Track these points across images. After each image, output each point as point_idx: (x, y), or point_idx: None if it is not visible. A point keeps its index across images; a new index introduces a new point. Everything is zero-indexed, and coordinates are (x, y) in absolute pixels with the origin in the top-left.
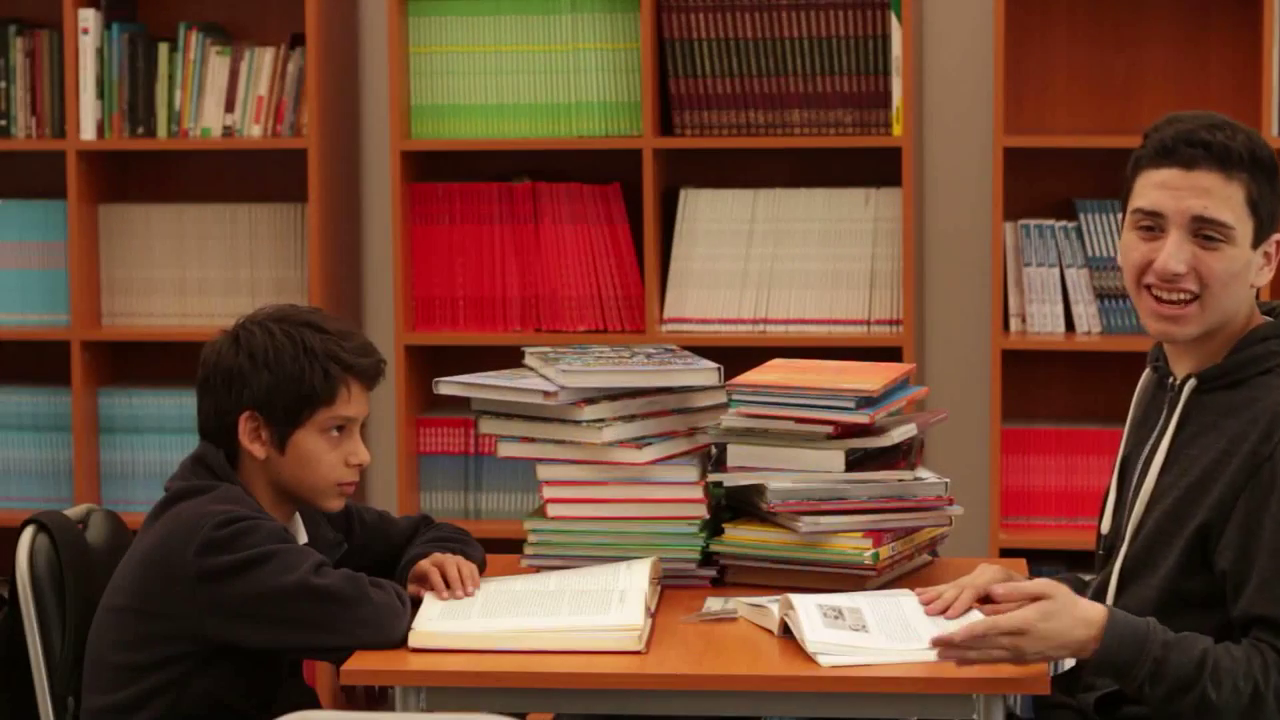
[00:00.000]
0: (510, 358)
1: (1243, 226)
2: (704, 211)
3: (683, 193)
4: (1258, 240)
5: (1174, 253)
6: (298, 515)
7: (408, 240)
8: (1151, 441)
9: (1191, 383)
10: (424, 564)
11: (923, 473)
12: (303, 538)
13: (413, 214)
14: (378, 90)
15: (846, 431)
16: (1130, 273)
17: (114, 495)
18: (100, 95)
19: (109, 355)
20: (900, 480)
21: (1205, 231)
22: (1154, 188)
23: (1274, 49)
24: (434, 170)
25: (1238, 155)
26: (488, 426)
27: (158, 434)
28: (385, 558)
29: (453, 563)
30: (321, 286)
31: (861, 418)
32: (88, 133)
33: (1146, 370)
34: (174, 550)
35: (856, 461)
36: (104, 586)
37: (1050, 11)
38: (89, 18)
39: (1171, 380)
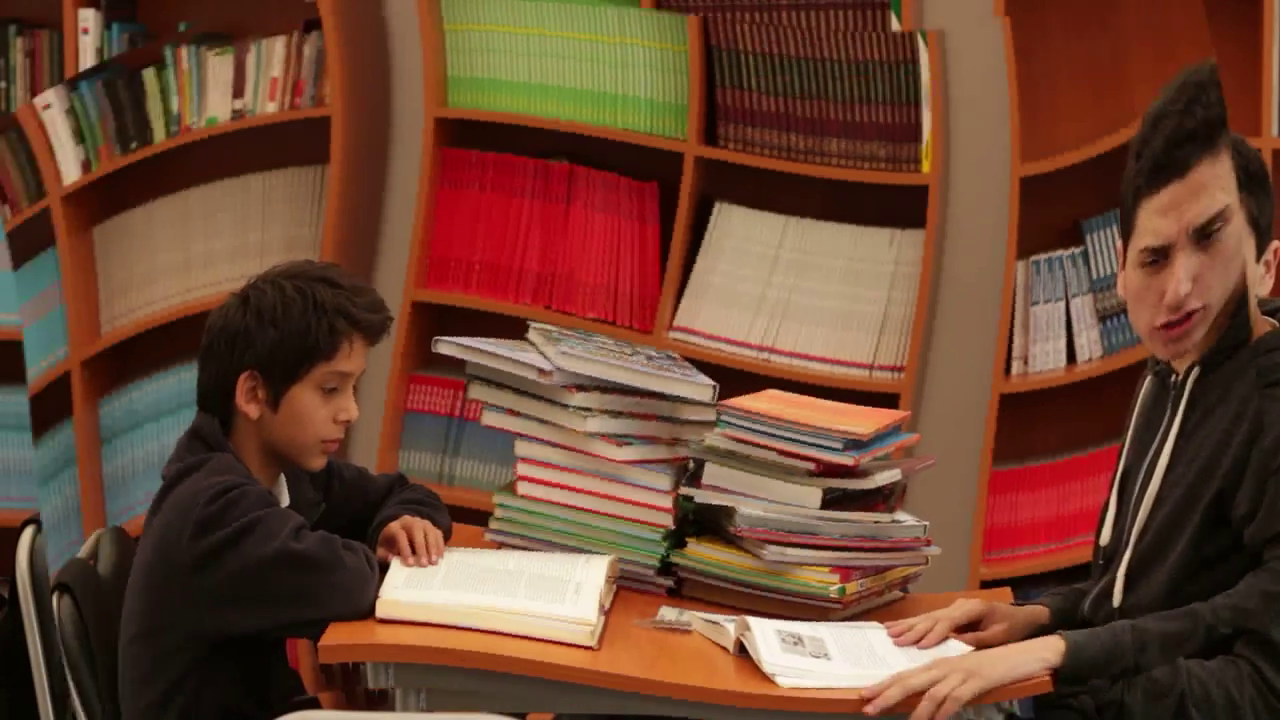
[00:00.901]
0: (515, 329)
1: (1234, 199)
2: (735, 229)
3: (717, 205)
4: (1259, 253)
5: (1182, 275)
6: (282, 477)
7: (432, 201)
8: (1156, 442)
9: (1195, 370)
10: (393, 526)
11: (902, 515)
12: (285, 499)
13: (441, 178)
14: (409, 63)
15: (829, 471)
16: (1143, 316)
17: (115, 496)
18: (80, 140)
19: (109, 355)
20: (876, 523)
21: (1207, 233)
22: (1157, 216)
23: (1274, 49)
24: (470, 138)
25: (1219, 121)
26: (476, 392)
27: (155, 422)
28: (361, 515)
29: (420, 528)
30: (335, 240)
31: (846, 459)
32: (70, 175)
33: (1147, 378)
34: (171, 543)
35: (834, 500)
36: (116, 604)
37: (1048, 11)
38: (89, 18)
39: (1174, 378)
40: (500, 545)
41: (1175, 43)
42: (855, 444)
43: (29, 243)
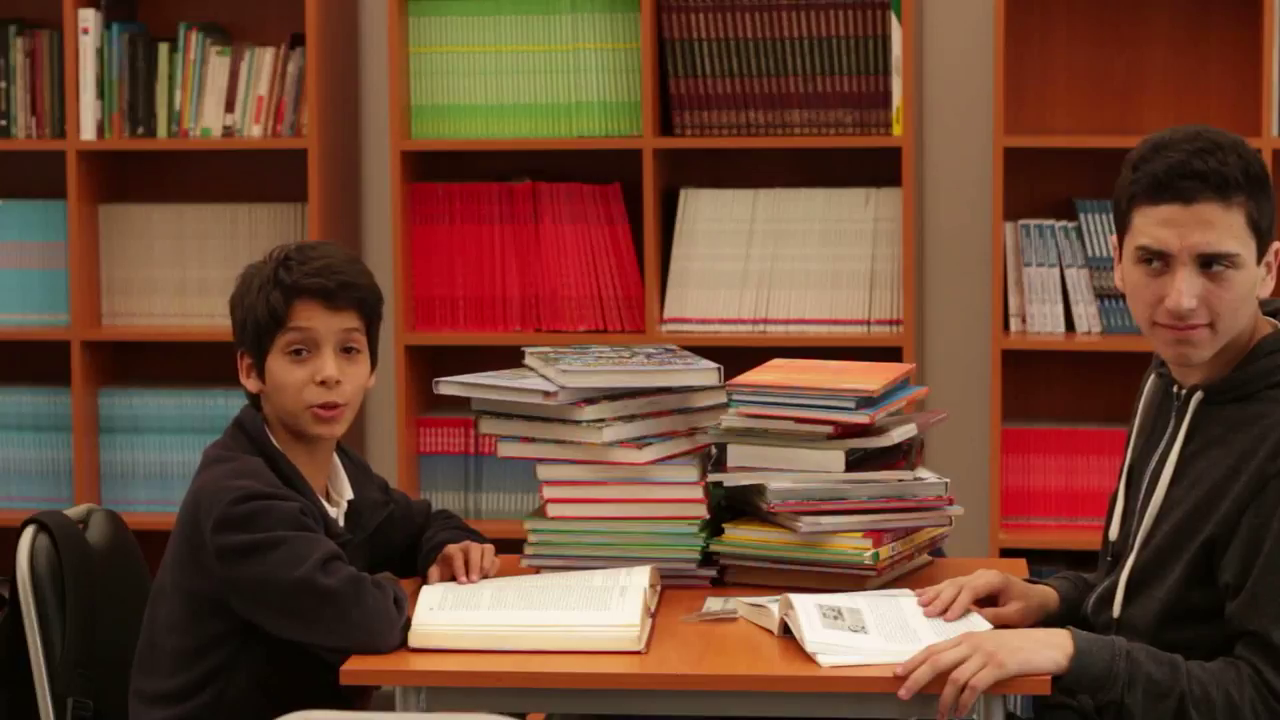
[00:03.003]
0: (510, 358)
1: (1247, 249)
2: (704, 211)
3: (683, 193)
4: (1260, 255)
5: (1185, 290)
6: (340, 469)
7: (408, 240)
8: (1160, 452)
9: (1199, 395)
10: (453, 548)
11: (923, 473)
12: (348, 493)
13: (413, 214)
14: (378, 90)
15: (846, 431)
16: (1142, 312)
17: (114, 495)
18: (100, 95)
19: (109, 355)
20: (900, 480)
21: (1213, 264)
22: (1156, 225)
23: (1274, 49)
24: (434, 170)
25: (1234, 180)
26: (488, 426)
27: (158, 434)
28: (408, 542)
29: (478, 550)
30: None
31: (861, 418)
32: (88, 133)
33: (1151, 376)
34: (198, 525)
35: (856, 461)
36: (104, 586)
37: (1050, 11)
38: (89, 18)
39: (1177, 389)
40: (539, 570)
41: (1192, 74)
42: (867, 401)
43: (46, 182)
